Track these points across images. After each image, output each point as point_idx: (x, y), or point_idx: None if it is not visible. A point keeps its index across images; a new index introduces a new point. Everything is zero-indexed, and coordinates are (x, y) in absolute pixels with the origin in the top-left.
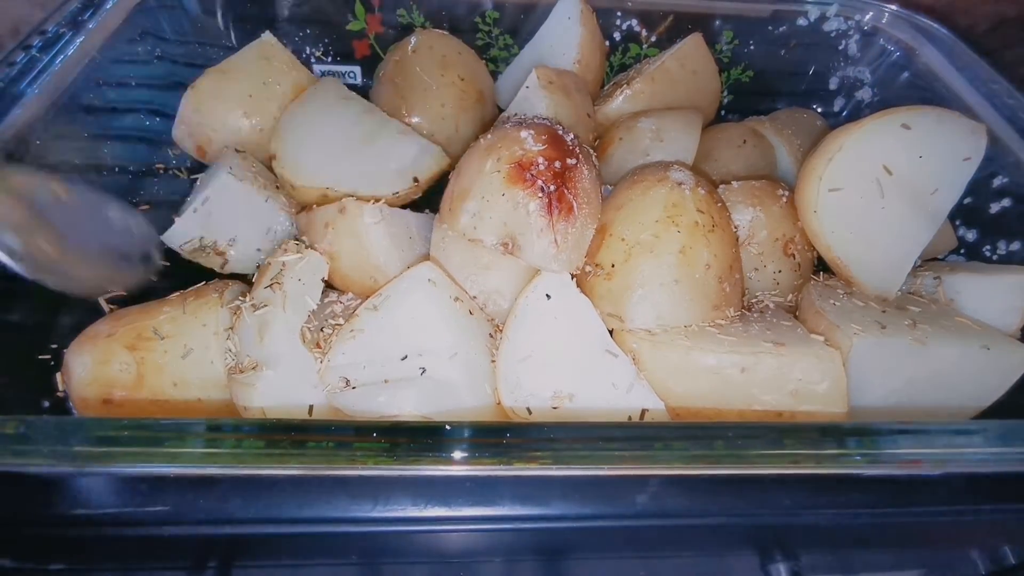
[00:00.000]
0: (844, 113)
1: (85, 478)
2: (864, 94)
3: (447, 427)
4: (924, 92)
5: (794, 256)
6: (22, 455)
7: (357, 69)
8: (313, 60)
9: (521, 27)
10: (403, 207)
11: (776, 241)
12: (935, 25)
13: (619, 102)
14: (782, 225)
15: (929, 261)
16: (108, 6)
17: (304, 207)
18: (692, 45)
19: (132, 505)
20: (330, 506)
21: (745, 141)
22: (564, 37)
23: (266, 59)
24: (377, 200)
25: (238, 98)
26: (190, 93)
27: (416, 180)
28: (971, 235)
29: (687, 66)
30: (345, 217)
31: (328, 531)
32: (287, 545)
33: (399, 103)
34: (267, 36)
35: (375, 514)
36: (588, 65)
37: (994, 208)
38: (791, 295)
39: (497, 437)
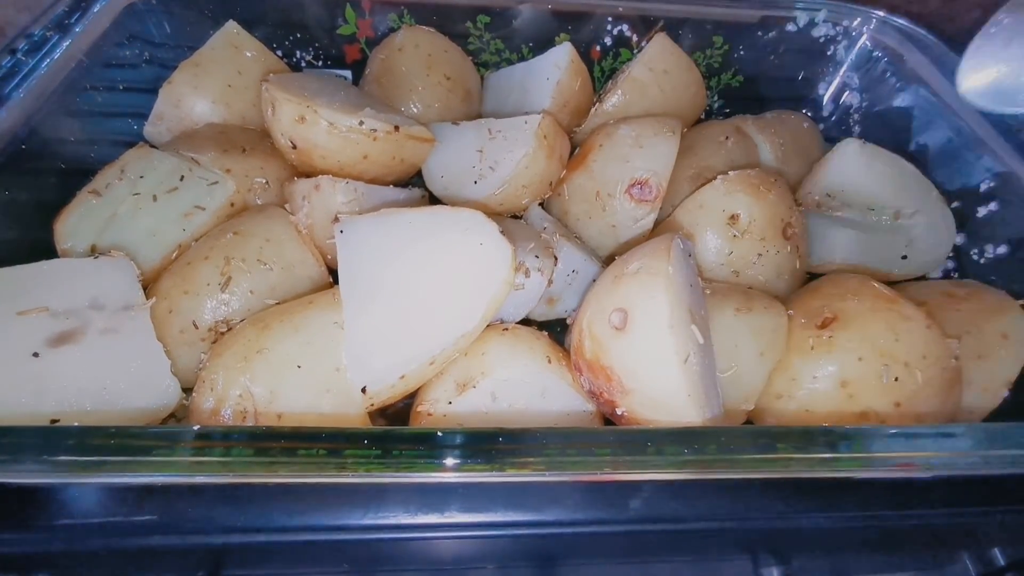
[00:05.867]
0: (833, 118)
1: (70, 487)
2: (852, 99)
3: (439, 433)
4: (911, 97)
5: (792, 239)
6: (6, 465)
7: (348, 73)
8: (304, 64)
9: (513, 33)
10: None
11: (774, 227)
12: (922, 31)
13: (594, 121)
14: (779, 210)
15: None
16: (95, 9)
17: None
18: (657, 46)
19: (119, 515)
20: (321, 514)
21: (727, 138)
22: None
23: (235, 48)
24: (352, 179)
25: (217, 89)
26: (167, 89)
27: (397, 128)
28: (959, 239)
29: (656, 67)
30: (319, 193)
31: (319, 539)
32: (277, 554)
33: (385, 103)
34: (231, 25)
35: (366, 522)
36: (567, 102)
37: (981, 212)
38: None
39: (489, 443)
